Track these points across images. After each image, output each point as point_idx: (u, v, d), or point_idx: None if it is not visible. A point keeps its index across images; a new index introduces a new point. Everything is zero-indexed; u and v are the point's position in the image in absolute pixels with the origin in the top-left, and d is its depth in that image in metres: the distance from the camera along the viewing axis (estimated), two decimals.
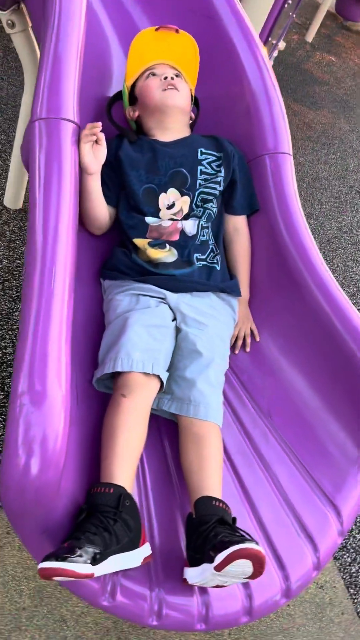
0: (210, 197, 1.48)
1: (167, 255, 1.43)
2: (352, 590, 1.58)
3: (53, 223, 1.18)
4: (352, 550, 1.67)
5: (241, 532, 1.10)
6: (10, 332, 1.72)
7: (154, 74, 1.52)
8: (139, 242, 1.44)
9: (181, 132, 1.54)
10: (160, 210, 1.46)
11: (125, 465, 1.14)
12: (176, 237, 1.44)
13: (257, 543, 1.02)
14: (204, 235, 1.47)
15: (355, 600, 1.56)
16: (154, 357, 1.27)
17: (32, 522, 1.03)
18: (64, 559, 0.95)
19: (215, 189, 1.49)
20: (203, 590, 1.16)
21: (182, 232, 1.45)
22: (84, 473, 1.18)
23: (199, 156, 1.50)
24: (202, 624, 1.16)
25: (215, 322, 1.42)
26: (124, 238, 1.50)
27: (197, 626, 1.16)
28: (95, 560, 0.98)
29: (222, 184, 1.50)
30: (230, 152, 1.53)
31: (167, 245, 1.43)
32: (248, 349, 1.54)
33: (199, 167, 1.49)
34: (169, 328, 1.37)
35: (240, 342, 1.53)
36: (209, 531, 1.09)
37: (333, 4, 5.18)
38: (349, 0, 5.18)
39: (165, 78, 1.50)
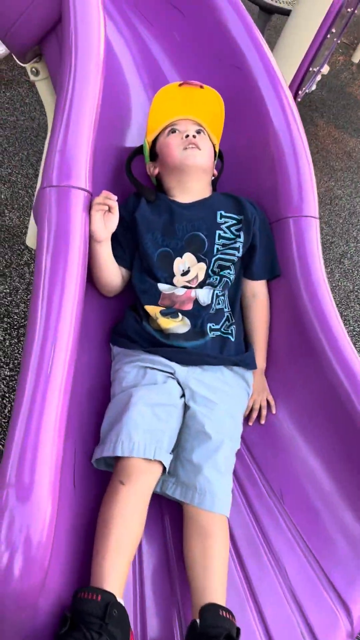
0: (228, 264, 1.41)
1: (179, 325, 1.36)
2: None
3: (57, 298, 1.12)
4: None
5: None
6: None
7: (175, 131, 1.46)
8: (151, 309, 1.38)
9: (202, 192, 1.48)
10: (174, 276, 1.39)
11: (117, 565, 1.07)
12: (189, 307, 1.37)
13: None
14: (219, 304, 1.40)
15: None
16: (157, 439, 1.20)
17: (11, 629, 0.98)
18: None
19: (233, 255, 1.42)
20: None
21: (196, 302, 1.38)
22: (74, 566, 1.12)
23: (218, 219, 1.43)
24: None
25: (227, 398, 1.34)
26: (136, 302, 1.44)
27: None
28: None
29: (240, 249, 1.42)
30: (251, 215, 1.46)
31: (180, 314, 1.37)
32: (263, 421, 1.46)
33: (218, 232, 1.42)
34: (176, 407, 1.29)
35: (255, 415, 1.45)
36: None
37: None
38: None
39: (187, 136, 1.43)
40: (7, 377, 1.69)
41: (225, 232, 1.43)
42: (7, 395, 1.65)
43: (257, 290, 1.49)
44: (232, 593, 1.19)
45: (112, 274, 1.39)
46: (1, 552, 0.91)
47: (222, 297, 1.41)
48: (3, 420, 1.60)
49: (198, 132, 1.46)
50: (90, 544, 1.15)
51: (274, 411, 1.46)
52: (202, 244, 1.40)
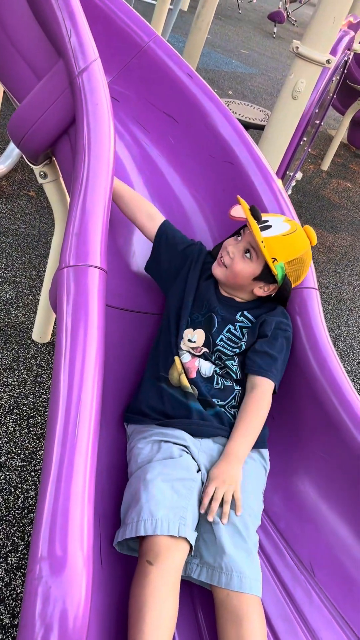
0: (230, 355, 1.44)
1: (191, 387, 1.39)
2: None
3: (79, 370, 1.15)
4: None
5: None
6: (33, 473, 1.66)
7: (236, 237, 1.49)
8: (178, 361, 1.41)
9: (238, 294, 1.51)
10: (182, 339, 1.45)
11: None
12: (193, 375, 1.41)
13: None
14: (226, 382, 1.43)
15: None
16: (179, 515, 1.16)
17: None
18: None
19: (235, 345, 1.45)
20: None
21: (198, 372, 1.41)
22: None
23: (238, 316, 1.47)
24: None
25: (244, 474, 1.33)
26: (152, 366, 1.48)
27: None
28: None
29: (242, 343, 1.45)
30: (263, 321, 1.46)
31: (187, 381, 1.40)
32: (225, 520, 1.21)
33: (229, 326, 1.46)
34: (195, 481, 1.26)
35: (213, 506, 1.22)
36: None
37: (345, 135, 5.49)
38: (359, 131, 5.51)
39: (221, 257, 1.47)
40: (20, 468, 1.66)
41: (235, 330, 1.46)
42: (19, 486, 1.62)
43: (255, 384, 1.40)
44: None
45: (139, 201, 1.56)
46: (37, 629, 0.87)
47: (228, 382, 1.43)
48: (16, 511, 1.55)
49: (247, 250, 1.44)
50: (119, 624, 1.09)
51: (238, 513, 1.23)
52: (212, 325, 1.45)
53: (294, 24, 11.02)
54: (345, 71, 3.83)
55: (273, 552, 1.37)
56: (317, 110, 3.17)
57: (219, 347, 1.44)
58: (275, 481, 1.46)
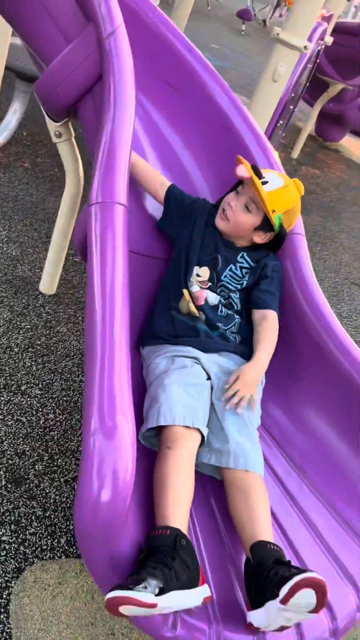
0: (231, 288, 1.66)
1: (198, 312, 1.62)
2: None
3: (109, 283, 1.34)
4: None
5: (299, 568, 1.17)
6: (50, 399, 1.85)
7: (236, 192, 1.68)
8: (186, 292, 1.63)
9: (238, 241, 1.71)
10: (192, 274, 1.66)
11: (177, 509, 1.23)
12: (201, 302, 1.63)
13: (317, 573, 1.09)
14: (229, 311, 1.64)
15: None
16: (193, 413, 1.39)
17: (99, 547, 1.10)
18: (129, 589, 1.02)
19: (237, 282, 1.67)
20: (255, 630, 1.21)
21: (206, 300, 1.63)
22: (139, 520, 1.26)
23: (238, 258, 1.69)
24: None
25: None
26: (161, 296, 1.70)
27: None
28: (158, 593, 1.05)
29: (244, 282, 1.67)
30: (264, 265, 1.68)
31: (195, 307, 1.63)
32: (240, 411, 1.47)
33: (231, 265, 1.68)
34: (205, 386, 1.50)
35: (234, 400, 1.47)
36: (268, 570, 1.16)
37: (313, 127, 5.80)
38: (326, 123, 5.82)
39: (224, 211, 1.66)
40: (38, 395, 1.85)
41: (236, 270, 1.68)
42: (40, 409, 1.80)
43: (265, 315, 1.63)
44: None
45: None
46: (95, 484, 1.06)
47: (230, 311, 1.65)
48: (39, 430, 1.74)
49: (247, 204, 1.64)
50: (145, 508, 1.30)
51: (254, 409, 1.51)
52: (217, 264, 1.67)
53: (260, 24, 11.35)
54: (318, 61, 4.11)
55: (268, 453, 1.61)
56: (293, 95, 3.43)
57: (223, 282, 1.66)
58: (270, 397, 1.70)
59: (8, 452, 1.64)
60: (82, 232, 1.52)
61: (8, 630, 1.27)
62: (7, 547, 1.42)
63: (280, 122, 3.50)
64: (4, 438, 1.68)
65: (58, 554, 1.46)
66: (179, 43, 2.02)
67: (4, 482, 1.56)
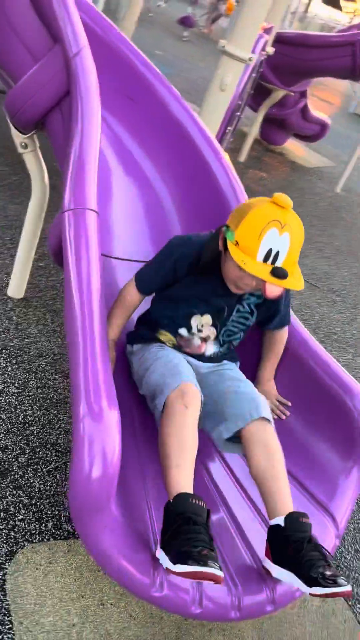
0: (237, 331, 1.72)
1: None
2: (350, 602, 1.77)
3: (85, 283, 1.47)
4: (344, 568, 1.89)
5: (333, 567, 1.30)
6: (27, 397, 1.95)
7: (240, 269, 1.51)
8: (166, 337, 1.71)
9: None
10: (192, 328, 1.69)
11: (191, 476, 1.38)
12: (199, 352, 1.71)
13: (347, 581, 1.27)
14: (227, 349, 1.76)
15: (355, 610, 1.76)
16: (192, 380, 1.55)
17: (92, 517, 1.23)
18: (205, 564, 1.16)
19: (244, 324, 1.72)
20: (234, 584, 1.37)
21: (205, 351, 1.71)
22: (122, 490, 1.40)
23: (245, 295, 1.67)
24: (236, 612, 1.35)
25: (232, 373, 1.72)
26: (147, 318, 1.79)
27: (232, 614, 1.35)
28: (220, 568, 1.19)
29: (251, 321, 1.73)
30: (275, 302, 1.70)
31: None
32: (283, 417, 1.81)
33: (238, 306, 1.68)
34: (190, 363, 1.66)
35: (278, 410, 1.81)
36: (302, 552, 1.31)
37: (258, 132, 6.04)
38: (270, 128, 6.08)
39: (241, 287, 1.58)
40: (16, 393, 1.95)
41: (244, 307, 1.69)
42: (18, 407, 1.90)
43: (282, 334, 1.82)
44: (245, 513, 1.48)
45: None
46: (86, 462, 1.19)
47: (228, 348, 1.76)
48: (19, 425, 1.84)
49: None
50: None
51: (289, 403, 1.83)
52: (221, 315, 1.68)
53: (200, 29, 11.60)
54: (262, 70, 4.33)
55: None
56: (240, 102, 3.62)
57: (228, 327, 1.70)
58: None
59: None
60: (57, 237, 1.64)
61: (6, 606, 1.37)
62: None
63: (229, 128, 3.69)
64: None
65: (46, 537, 1.57)
66: (136, 59, 2.16)
67: None
